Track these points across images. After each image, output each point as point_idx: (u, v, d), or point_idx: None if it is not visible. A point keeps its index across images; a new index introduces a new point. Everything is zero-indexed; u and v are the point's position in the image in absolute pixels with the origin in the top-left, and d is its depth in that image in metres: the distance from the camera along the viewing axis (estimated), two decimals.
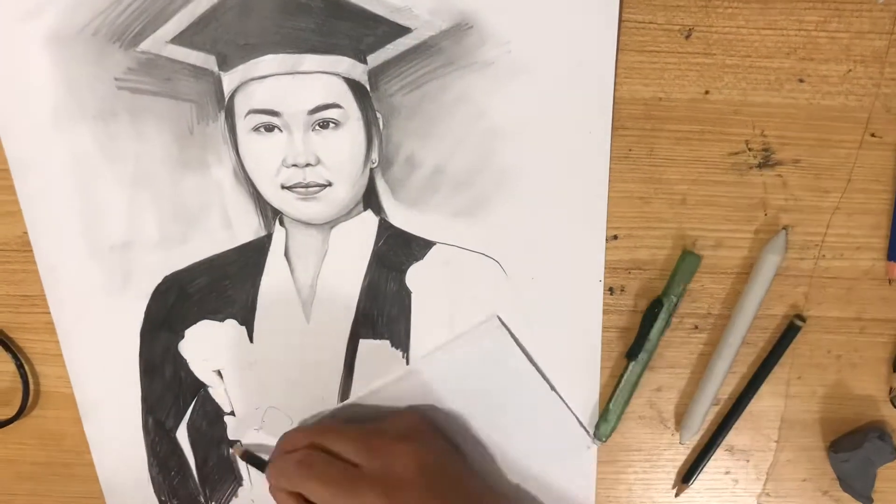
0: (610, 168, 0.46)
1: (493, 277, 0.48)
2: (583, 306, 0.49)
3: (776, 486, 0.52)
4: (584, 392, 0.51)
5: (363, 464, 0.44)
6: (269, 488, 0.46)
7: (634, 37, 0.43)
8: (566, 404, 0.50)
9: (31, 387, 0.52)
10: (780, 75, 0.43)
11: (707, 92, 0.44)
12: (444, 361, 0.49)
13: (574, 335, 0.49)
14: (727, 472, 0.52)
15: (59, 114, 0.46)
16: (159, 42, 0.45)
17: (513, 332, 0.49)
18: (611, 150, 0.46)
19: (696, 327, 0.48)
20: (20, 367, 0.51)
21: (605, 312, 0.49)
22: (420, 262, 0.48)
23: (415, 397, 0.50)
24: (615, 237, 0.46)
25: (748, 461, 0.51)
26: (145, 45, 0.45)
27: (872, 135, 0.44)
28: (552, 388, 0.50)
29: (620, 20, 0.43)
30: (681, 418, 0.50)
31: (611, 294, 0.48)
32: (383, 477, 0.44)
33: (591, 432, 0.50)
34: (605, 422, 0.49)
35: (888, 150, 0.44)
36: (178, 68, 0.45)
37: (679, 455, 0.51)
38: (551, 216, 0.47)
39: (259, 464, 0.50)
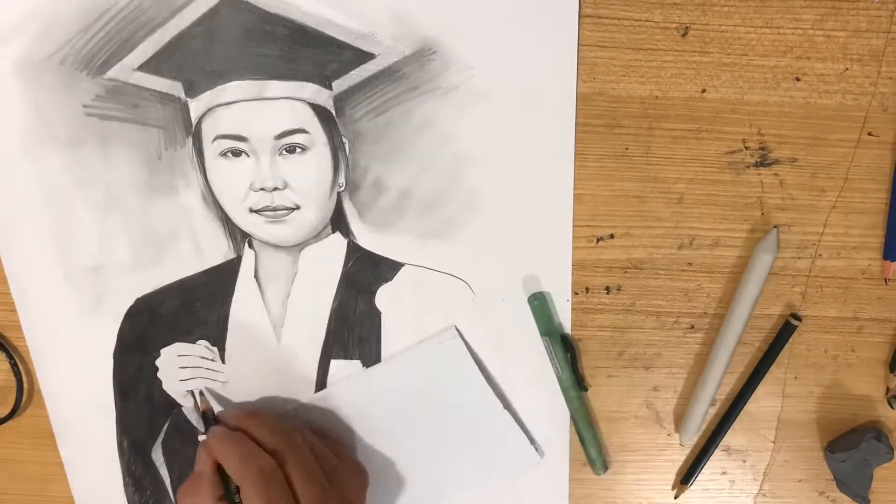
0: (606, 166, 0.50)
1: (461, 298, 0.53)
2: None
3: (773, 486, 0.53)
4: (552, 411, 0.55)
5: None
6: (204, 443, 0.49)
7: (631, 35, 0.45)
8: (515, 420, 0.55)
9: (25, 385, 0.56)
10: (776, 74, 0.45)
11: (704, 90, 0.45)
12: (400, 367, 0.54)
13: (542, 355, 0.54)
14: (724, 473, 0.53)
15: (28, 140, 0.50)
16: (126, 69, 0.49)
17: (480, 351, 0.54)
18: (608, 152, 0.50)
19: (693, 327, 0.50)
20: (14, 365, 0.56)
21: (601, 312, 0.54)
22: (389, 283, 0.53)
23: (369, 401, 0.55)
24: (611, 236, 0.47)
25: (745, 461, 0.52)
26: (112, 73, 0.49)
27: (869, 133, 0.46)
28: (506, 405, 0.55)
29: (579, 45, 0.47)
30: (678, 419, 0.51)
31: (607, 293, 0.48)
32: None
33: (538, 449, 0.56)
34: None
35: (885, 149, 0.46)
36: (145, 95, 0.49)
37: (676, 455, 0.53)
38: (518, 237, 0.51)
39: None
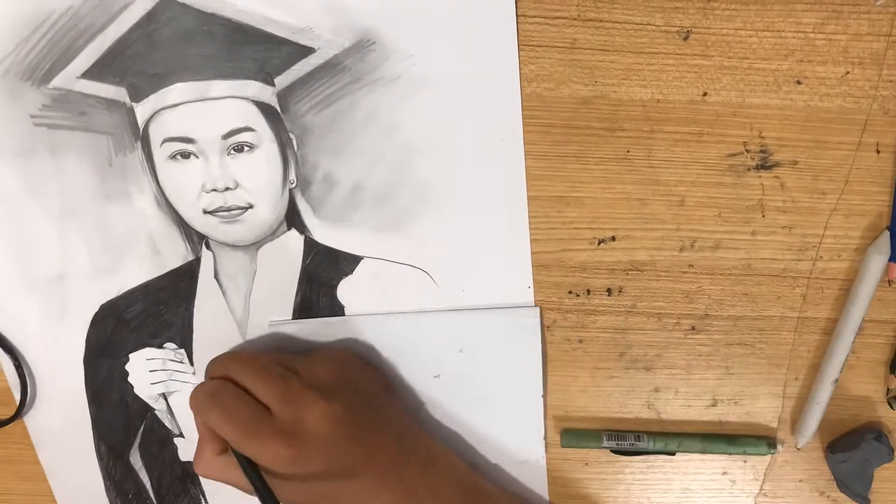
0: (608, 169, 0.50)
1: (423, 288, 0.53)
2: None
3: (773, 486, 0.54)
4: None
5: (274, 408, 0.46)
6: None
7: (632, 38, 0.45)
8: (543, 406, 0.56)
9: (29, 387, 0.57)
10: (777, 77, 0.45)
11: (705, 94, 0.45)
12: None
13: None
14: (724, 473, 0.54)
15: None
16: (70, 78, 0.49)
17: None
18: (610, 155, 0.49)
19: (694, 328, 0.51)
20: (17, 367, 0.57)
21: (602, 314, 0.54)
22: (350, 277, 0.53)
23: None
24: (613, 238, 0.48)
25: (745, 462, 0.53)
26: (56, 82, 0.49)
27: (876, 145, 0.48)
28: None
29: (518, 30, 0.46)
30: (678, 418, 0.55)
31: (608, 295, 0.49)
32: (291, 427, 0.46)
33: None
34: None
35: (886, 152, 0.46)
36: (91, 102, 0.50)
37: (677, 456, 0.52)
38: (474, 225, 0.51)
39: None
